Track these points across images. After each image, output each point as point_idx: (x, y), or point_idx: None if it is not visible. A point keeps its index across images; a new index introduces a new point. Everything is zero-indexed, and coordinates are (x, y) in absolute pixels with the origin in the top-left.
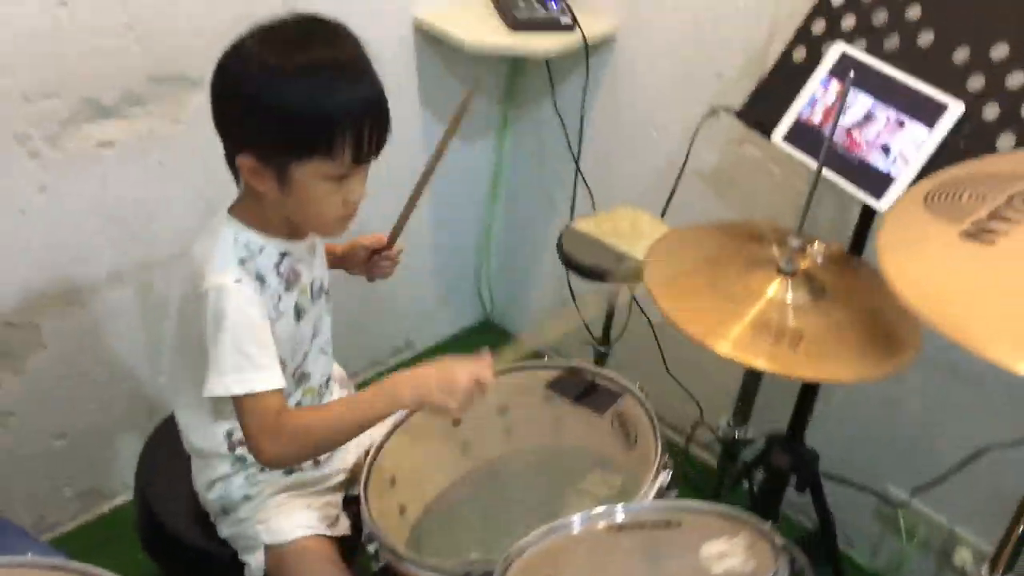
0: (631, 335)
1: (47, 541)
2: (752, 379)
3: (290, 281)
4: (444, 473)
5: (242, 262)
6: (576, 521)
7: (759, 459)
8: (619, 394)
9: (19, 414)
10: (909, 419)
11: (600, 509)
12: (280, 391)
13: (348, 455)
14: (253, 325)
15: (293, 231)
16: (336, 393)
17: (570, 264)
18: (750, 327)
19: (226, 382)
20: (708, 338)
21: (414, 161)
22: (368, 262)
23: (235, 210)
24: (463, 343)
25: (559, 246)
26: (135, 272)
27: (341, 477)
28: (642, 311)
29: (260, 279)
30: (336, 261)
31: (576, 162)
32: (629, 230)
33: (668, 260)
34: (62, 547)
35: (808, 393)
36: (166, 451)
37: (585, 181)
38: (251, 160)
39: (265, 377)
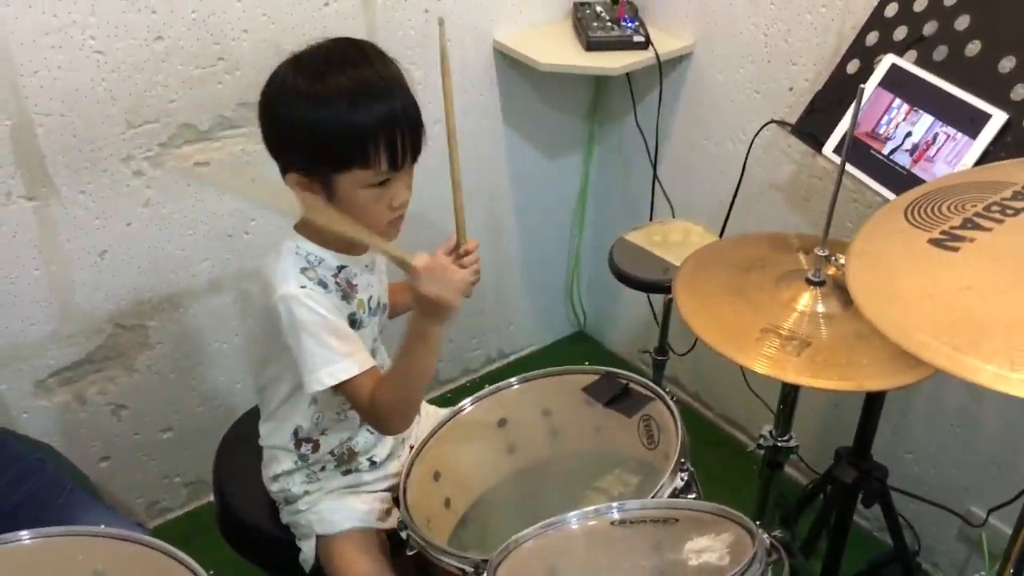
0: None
1: (159, 525)
2: (791, 387)
3: (347, 292)
4: (490, 472)
5: (303, 271)
6: (571, 518)
7: (829, 473)
8: (650, 399)
9: (131, 407)
10: (990, 438)
11: (595, 507)
12: (371, 371)
13: (404, 456)
14: (327, 320)
15: (350, 246)
16: None
17: (616, 273)
18: (759, 331)
19: (319, 376)
20: (719, 342)
21: (496, 173)
22: None
23: (298, 225)
24: (556, 353)
25: (610, 256)
26: (233, 280)
27: (396, 480)
28: None
29: (323, 285)
30: None
31: (654, 174)
32: (680, 242)
33: (698, 269)
34: (172, 531)
35: (873, 406)
36: (241, 446)
37: (665, 193)
38: (299, 176)
39: (352, 363)
